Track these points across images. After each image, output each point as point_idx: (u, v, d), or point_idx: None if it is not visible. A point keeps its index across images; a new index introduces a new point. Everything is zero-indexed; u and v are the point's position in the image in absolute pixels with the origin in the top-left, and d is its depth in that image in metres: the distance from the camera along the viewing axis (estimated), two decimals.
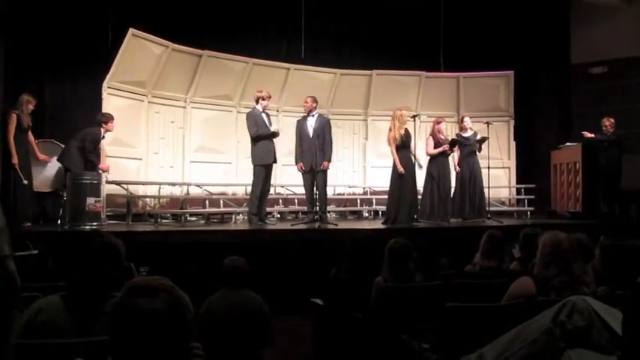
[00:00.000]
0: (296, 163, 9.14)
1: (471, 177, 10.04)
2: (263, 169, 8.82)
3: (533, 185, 12.24)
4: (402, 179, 9.04)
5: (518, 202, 12.36)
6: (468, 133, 10.19)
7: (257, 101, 8.99)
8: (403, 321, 3.87)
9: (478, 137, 10.09)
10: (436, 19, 11.98)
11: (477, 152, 10.08)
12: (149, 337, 1.60)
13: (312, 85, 11.45)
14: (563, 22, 12.68)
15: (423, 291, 4.19)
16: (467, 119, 10.34)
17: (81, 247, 2.67)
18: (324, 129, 9.10)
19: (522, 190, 12.34)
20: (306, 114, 9.13)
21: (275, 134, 8.91)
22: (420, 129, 9.85)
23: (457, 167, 10.15)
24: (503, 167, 12.17)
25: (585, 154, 10.36)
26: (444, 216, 9.45)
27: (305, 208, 9.65)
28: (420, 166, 9.38)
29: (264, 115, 8.96)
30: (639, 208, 10.31)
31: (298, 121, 9.29)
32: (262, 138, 8.79)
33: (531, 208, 11.76)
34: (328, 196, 10.43)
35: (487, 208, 10.07)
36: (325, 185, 9.24)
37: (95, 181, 7.80)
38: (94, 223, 7.61)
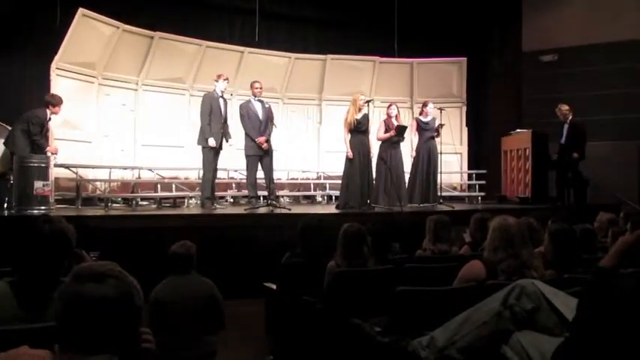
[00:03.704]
0: (255, 139, 8.60)
1: (429, 162, 9.91)
2: (212, 151, 8.67)
3: (484, 171, 12.44)
4: (352, 164, 9.04)
5: (470, 187, 12.55)
6: (428, 118, 10.04)
7: (217, 79, 8.74)
8: (355, 305, 3.88)
9: (437, 123, 9.96)
10: (390, 5, 11.99)
11: (435, 138, 9.95)
12: (96, 323, 1.57)
13: (267, 68, 11.39)
14: (515, 10, 12.85)
15: (375, 275, 4.21)
16: (430, 105, 10.11)
17: (29, 232, 2.59)
18: (270, 114, 8.93)
19: (473, 175, 12.54)
20: (253, 98, 8.87)
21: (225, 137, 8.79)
22: (374, 114, 9.87)
23: (414, 152, 10.04)
24: (456, 153, 12.24)
25: (535, 140, 10.53)
26: (395, 201, 9.40)
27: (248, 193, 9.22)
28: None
29: (221, 100, 8.74)
30: (583, 193, 10.50)
31: (243, 105, 8.91)
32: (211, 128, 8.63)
33: (482, 194, 11.96)
34: (282, 181, 10.34)
35: (439, 194, 10.04)
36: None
37: (43, 165, 7.58)
38: (42, 208, 7.40)
